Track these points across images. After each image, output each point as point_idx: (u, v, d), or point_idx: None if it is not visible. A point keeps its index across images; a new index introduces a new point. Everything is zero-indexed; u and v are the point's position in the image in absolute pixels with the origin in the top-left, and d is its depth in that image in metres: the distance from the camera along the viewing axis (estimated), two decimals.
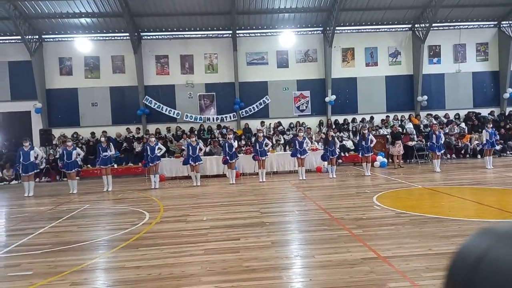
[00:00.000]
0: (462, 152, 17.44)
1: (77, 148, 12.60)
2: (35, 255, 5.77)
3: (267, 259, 5.03)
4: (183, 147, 15.93)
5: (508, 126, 18.54)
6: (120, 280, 4.58)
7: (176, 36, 18.94)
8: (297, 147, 12.65)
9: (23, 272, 5.02)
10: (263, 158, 12.62)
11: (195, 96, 19.12)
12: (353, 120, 19.02)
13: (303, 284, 4.19)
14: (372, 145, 13.01)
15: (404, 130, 16.89)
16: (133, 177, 16.30)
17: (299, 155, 12.61)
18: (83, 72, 18.62)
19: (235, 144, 13.00)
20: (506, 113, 19.77)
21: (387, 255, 4.92)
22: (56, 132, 18.02)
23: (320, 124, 18.95)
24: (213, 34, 19.05)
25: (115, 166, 15.73)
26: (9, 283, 4.66)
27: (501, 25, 19.73)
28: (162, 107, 18.68)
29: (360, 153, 13.04)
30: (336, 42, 18.78)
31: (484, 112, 19.75)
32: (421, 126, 18.59)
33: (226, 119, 18.97)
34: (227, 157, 12.50)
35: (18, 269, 5.15)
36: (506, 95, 19.66)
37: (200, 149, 12.72)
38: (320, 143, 15.12)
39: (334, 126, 18.50)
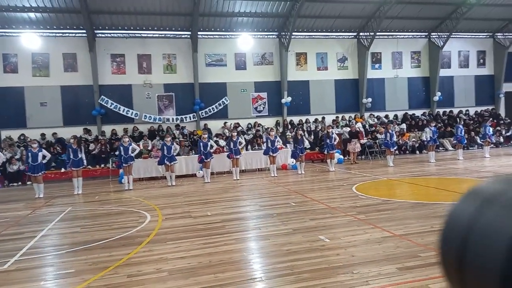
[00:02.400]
0: (403, 148, 19.43)
1: (43, 149, 11.92)
2: (59, 255, 5.70)
3: (301, 242, 5.58)
4: (148, 147, 15.75)
5: (438, 125, 21.01)
6: (175, 269, 4.80)
7: (133, 35, 18.54)
8: (269, 145, 13.29)
9: (64, 270, 4.99)
10: (238, 156, 13.06)
11: (153, 96, 18.86)
12: (307, 121, 20.19)
13: (348, 260, 4.79)
14: (335, 143, 14.11)
15: (359, 130, 18.39)
16: (92, 179, 15.65)
17: (271, 153, 13.27)
18: (31, 70, 17.41)
19: (241, 140, 13.29)
20: (435, 114, 22.37)
21: (401, 233, 5.74)
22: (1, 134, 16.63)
23: (277, 124, 19.82)
24: (171, 34, 18.97)
25: (90, 167, 15.09)
26: (60, 281, 4.65)
27: (431, 36, 22.30)
28: (119, 107, 18.16)
29: (326, 150, 14.06)
30: (290, 47, 19.79)
31: (418, 113, 22.16)
32: (367, 126, 20.34)
33: (186, 120, 19.00)
34: (203, 157, 12.72)
35: (56, 269, 5.10)
36: (436, 98, 22.25)
37: (175, 149, 12.78)
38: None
39: (290, 127, 19.50)
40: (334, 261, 4.77)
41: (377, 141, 17.82)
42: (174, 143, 13.01)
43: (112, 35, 18.36)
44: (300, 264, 4.69)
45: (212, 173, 14.94)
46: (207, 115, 19.30)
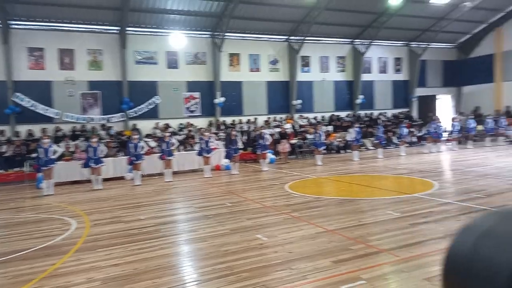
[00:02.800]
0: (329, 148, 20.43)
1: None
2: None
3: (238, 242, 5.62)
4: (70, 149, 14.72)
5: (361, 126, 22.47)
6: (109, 277, 4.56)
7: (54, 27, 17.16)
8: (203, 146, 13.16)
9: None
10: (170, 157, 12.73)
11: (76, 94, 17.63)
12: (240, 121, 20.35)
13: (285, 256, 4.93)
14: (268, 143, 14.41)
15: (290, 130, 18.98)
16: (5, 185, 14.14)
17: (205, 154, 13.15)
18: None
19: (174, 141, 12.91)
20: (357, 115, 23.90)
21: (333, 228, 6.06)
22: None
23: (210, 124, 19.70)
24: (98, 29, 17.89)
25: (2, 171, 13.61)
26: None
27: (354, 43, 23.78)
28: (37, 105, 16.69)
29: (259, 151, 14.30)
30: (223, 47, 19.79)
31: (343, 114, 23.48)
32: (297, 126, 21.09)
33: (113, 120, 18.06)
34: (133, 158, 12.20)
35: None
36: (358, 101, 23.77)
37: (102, 151, 12.08)
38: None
39: (222, 127, 19.50)
40: (272, 258, 4.88)
41: (306, 141, 18.54)
42: (101, 144, 12.30)
43: (30, 26, 16.80)
44: (240, 264, 4.72)
45: (142, 175, 14.40)
46: (136, 114, 18.53)
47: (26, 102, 16.50)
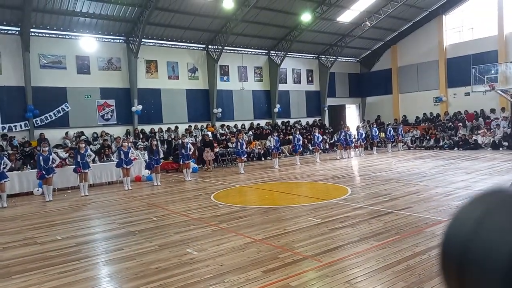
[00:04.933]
0: (251, 156, 21.00)
1: None
2: None
3: (169, 258, 5.59)
4: None
5: (280, 134, 23.48)
6: None
7: None
8: (122, 157, 12.63)
9: None
10: (87, 170, 11.98)
11: None
12: (159, 130, 19.90)
13: (217, 269, 5.04)
14: (190, 152, 14.34)
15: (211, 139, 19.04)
16: None
17: (125, 165, 12.63)
18: None
19: (90, 152, 12.15)
20: (274, 124, 24.95)
21: (261, 238, 6.34)
22: None
23: (127, 133, 18.92)
24: None
25: None
26: None
27: (270, 54, 24.82)
28: None
29: (181, 160, 14.15)
30: (140, 54, 19.18)
31: (262, 123, 24.30)
32: (218, 134, 21.29)
33: (16, 129, 16.37)
34: (43, 172, 11.22)
35: None
36: (276, 110, 24.80)
37: (5, 165, 10.91)
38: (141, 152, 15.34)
39: (141, 136, 18.89)
40: (204, 273, 4.96)
41: (228, 149, 18.81)
42: (4, 158, 11.10)
43: None
44: (172, 281, 4.72)
45: (53, 190, 13.31)
46: (43, 123, 17.04)
47: None
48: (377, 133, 21.13)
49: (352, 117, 29.60)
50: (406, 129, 23.76)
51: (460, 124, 22.40)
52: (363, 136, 20.20)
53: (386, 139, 21.97)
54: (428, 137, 22.57)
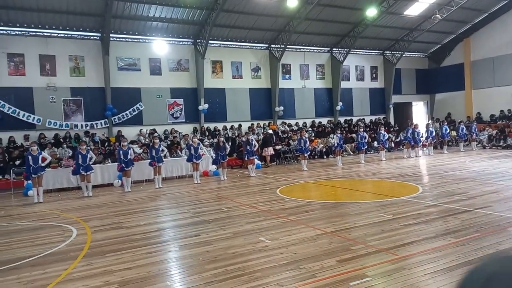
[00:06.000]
0: (312, 154, 20.95)
1: None
2: None
3: (244, 245, 5.87)
4: (57, 156, 14.53)
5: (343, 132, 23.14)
6: (125, 280, 4.71)
7: (35, 33, 16.91)
8: (193, 152, 13.33)
9: None
10: (160, 164, 12.82)
11: (58, 100, 17.41)
12: (224, 128, 20.59)
13: (292, 257, 5.21)
14: (255, 149, 14.72)
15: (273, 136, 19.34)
16: None
17: (194, 160, 13.31)
18: None
19: (164, 148, 13.14)
20: (337, 122, 24.59)
21: (331, 230, 6.41)
22: None
23: (194, 131, 19.83)
24: (79, 35, 17.75)
25: None
26: None
27: (333, 51, 24.53)
28: (19, 112, 16.37)
29: (246, 157, 14.58)
30: (206, 55, 19.99)
31: (323, 121, 24.11)
32: (279, 132, 21.51)
33: (97, 126, 17.92)
34: (123, 165, 12.22)
35: None
36: (338, 108, 24.48)
37: (91, 158, 12.04)
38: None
39: (207, 133, 19.69)
40: (280, 259, 5.16)
41: (290, 147, 18.96)
42: (90, 152, 12.26)
43: (9, 32, 16.50)
44: (250, 265, 4.98)
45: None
46: (120, 121, 18.46)
47: (7, 108, 16.16)
48: (448, 131, 20.01)
49: (419, 114, 28.27)
50: (481, 127, 22.21)
51: None
52: (433, 134, 19.25)
53: (458, 137, 20.73)
54: (504, 136, 20.89)
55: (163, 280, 4.66)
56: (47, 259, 5.71)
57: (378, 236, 5.93)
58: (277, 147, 18.33)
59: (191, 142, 13.73)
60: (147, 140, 17.72)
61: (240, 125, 20.96)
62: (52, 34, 17.31)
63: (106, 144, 16.82)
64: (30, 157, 10.95)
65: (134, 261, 5.42)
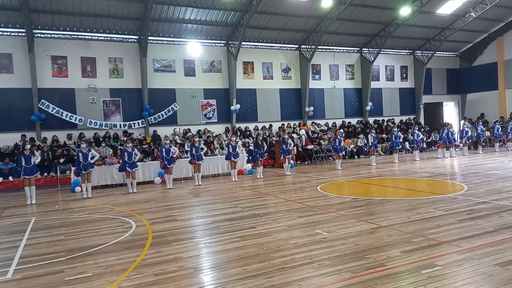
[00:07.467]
0: (343, 153, 20.94)
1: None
2: (61, 261, 5.49)
3: (303, 237, 6.07)
4: (102, 154, 15.08)
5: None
6: (199, 266, 4.98)
7: (76, 36, 17.62)
8: (231, 150, 13.63)
9: (81, 275, 4.88)
10: (200, 162, 13.17)
11: (98, 101, 18.06)
12: (255, 128, 20.84)
13: (354, 248, 5.38)
14: (290, 148, 14.90)
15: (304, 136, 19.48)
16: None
17: (232, 158, 13.61)
18: None
19: (203, 146, 13.77)
20: (366, 122, 24.49)
21: (386, 224, 6.53)
22: None
23: (226, 131, 20.16)
24: (118, 38, 18.37)
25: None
26: (86, 284, 4.56)
27: (363, 51, 24.46)
28: (62, 112, 17.08)
29: (282, 156, 14.78)
30: (238, 56, 20.31)
31: (353, 121, 24.05)
32: (309, 132, 21.61)
33: (134, 126, 18.48)
34: (165, 162, 12.62)
35: (71, 274, 4.94)
36: (368, 108, 24.38)
37: (136, 155, 12.50)
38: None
39: (239, 133, 19.98)
40: (343, 249, 5.33)
41: (322, 146, 19.05)
42: (135, 149, 12.73)
43: (53, 35, 17.25)
44: (315, 254, 5.17)
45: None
46: (156, 121, 18.98)
47: (51, 109, 16.89)
48: (483, 131, 19.67)
49: (450, 115, 27.82)
50: None
51: None
52: (469, 134, 18.98)
53: (493, 137, 20.35)
54: None
55: (236, 266, 4.90)
56: (117, 247, 6.05)
57: (435, 230, 6.02)
58: (309, 146, 18.42)
59: (229, 141, 14.03)
60: (181, 139, 18.14)
61: (271, 125, 21.17)
62: (93, 37, 17.98)
63: (145, 146, 17.24)
64: (80, 154, 11.47)
65: (199, 249, 5.71)
